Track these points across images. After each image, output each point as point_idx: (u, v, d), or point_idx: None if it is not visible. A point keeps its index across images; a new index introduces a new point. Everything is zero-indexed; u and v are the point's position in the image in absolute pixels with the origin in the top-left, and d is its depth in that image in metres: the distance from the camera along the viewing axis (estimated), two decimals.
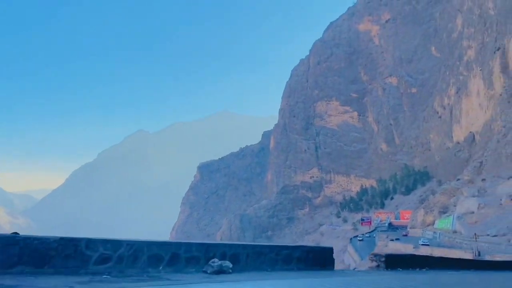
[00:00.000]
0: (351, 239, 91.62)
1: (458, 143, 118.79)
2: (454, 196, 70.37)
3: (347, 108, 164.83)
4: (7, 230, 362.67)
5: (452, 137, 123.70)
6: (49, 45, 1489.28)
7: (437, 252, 38.52)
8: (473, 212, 51.61)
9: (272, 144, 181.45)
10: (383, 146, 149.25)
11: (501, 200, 50.09)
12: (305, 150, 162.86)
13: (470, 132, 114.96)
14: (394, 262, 12.13)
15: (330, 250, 10.72)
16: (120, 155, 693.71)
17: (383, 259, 11.92)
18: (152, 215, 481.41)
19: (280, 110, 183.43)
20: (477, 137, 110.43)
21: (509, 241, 37.15)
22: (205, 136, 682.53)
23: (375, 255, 12.56)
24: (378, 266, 12.01)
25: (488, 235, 40.79)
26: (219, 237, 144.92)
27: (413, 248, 46.02)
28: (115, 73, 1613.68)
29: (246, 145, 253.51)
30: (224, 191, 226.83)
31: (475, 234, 38.66)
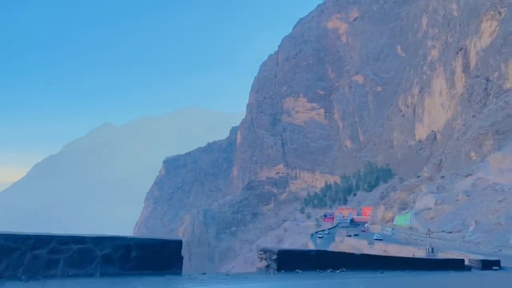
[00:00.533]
0: (312, 235, 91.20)
1: (420, 141, 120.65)
2: (413, 192, 70.71)
3: (314, 105, 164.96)
4: None
5: (414, 135, 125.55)
6: (11, 34, 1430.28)
7: (391, 249, 37.85)
8: (430, 208, 51.55)
9: (239, 139, 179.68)
10: (348, 143, 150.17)
11: (457, 196, 50.16)
12: (272, 146, 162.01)
13: (432, 131, 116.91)
14: (290, 261, 8.92)
15: (174, 244, 6.96)
16: (85, 148, 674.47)
17: (274, 257, 8.68)
18: (117, 210, 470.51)
19: (248, 105, 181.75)
20: (438, 136, 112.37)
21: (463, 238, 36.89)
22: (173, 131, 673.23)
23: (265, 251, 9.02)
24: (268, 266, 8.81)
25: (443, 231, 40.55)
26: (181, 233, 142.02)
27: (368, 244, 45.38)
28: (81, 64, 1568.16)
29: (214, 140, 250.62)
30: (190, 186, 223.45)
31: (428, 230, 38.13)
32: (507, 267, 17.99)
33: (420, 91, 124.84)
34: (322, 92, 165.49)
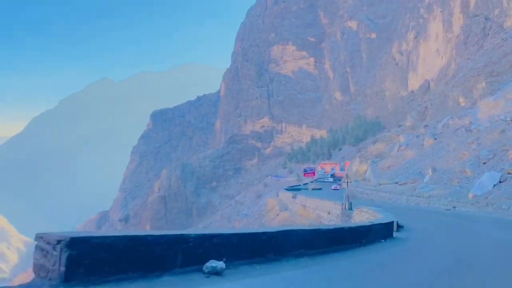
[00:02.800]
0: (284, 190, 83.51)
1: (413, 91, 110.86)
2: (391, 143, 62.04)
3: (304, 53, 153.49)
4: None
5: (407, 85, 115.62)
6: None
7: (309, 203, 29.99)
8: (390, 157, 43.08)
9: (222, 90, 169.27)
10: (337, 95, 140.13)
11: (423, 141, 41.40)
12: (257, 98, 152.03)
13: (426, 80, 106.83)
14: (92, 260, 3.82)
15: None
16: (82, 103, 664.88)
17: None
18: (110, 164, 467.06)
19: (233, 53, 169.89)
20: (432, 85, 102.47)
21: (414, 190, 28.61)
22: (170, 86, 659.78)
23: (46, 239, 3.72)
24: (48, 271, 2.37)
25: (396, 182, 32.32)
26: (157, 187, 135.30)
27: (292, 197, 37.83)
28: (80, 17, 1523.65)
29: (204, 94, 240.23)
30: (178, 141, 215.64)
31: (346, 176, 30.02)
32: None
33: (416, 37, 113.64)
34: (312, 39, 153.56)
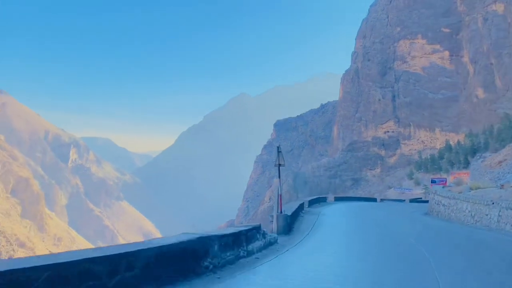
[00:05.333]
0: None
1: None
2: None
3: (436, 46, 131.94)
4: (112, 183, 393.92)
5: None
6: (162, 19, 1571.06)
7: None
8: None
9: (340, 93, 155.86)
10: (479, 92, 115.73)
11: None
12: (380, 100, 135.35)
13: None
14: None
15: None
16: (223, 117, 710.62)
17: None
18: (246, 173, 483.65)
19: (353, 53, 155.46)
20: None
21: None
22: (303, 97, 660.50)
23: None
24: None
25: (502, 186, 18.57)
26: (268, 196, 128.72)
27: None
28: (221, 41, 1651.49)
29: (328, 101, 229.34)
30: (300, 150, 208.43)
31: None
32: None
33: None
34: (446, 30, 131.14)
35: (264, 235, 13.48)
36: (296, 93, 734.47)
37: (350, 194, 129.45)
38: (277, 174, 19.31)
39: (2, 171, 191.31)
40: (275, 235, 15.87)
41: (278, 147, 18.53)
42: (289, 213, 19.35)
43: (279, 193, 18.22)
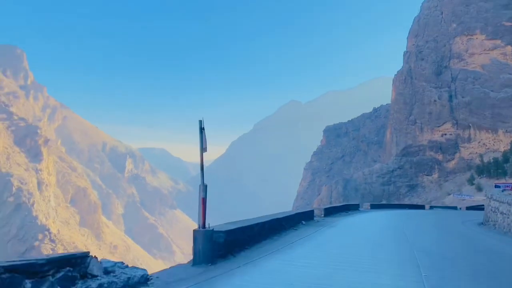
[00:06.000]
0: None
1: None
2: None
3: (497, 42, 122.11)
4: (166, 192, 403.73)
5: None
6: (212, 30, 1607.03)
7: None
8: None
9: (392, 95, 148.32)
10: None
11: None
12: (435, 101, 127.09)
13: None
14: None
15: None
16: (273, 125, 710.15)
17: None
18: (296, 181, 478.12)
19: (405, 53, 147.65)
20: None
21: None
22: (356, 103, 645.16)
23: None
24: None
25: None
26: (316, 204, 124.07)
27: None
28: (272, 49, 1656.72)
29: (381, 105, 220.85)
30: (351, 156, 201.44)
31: None
32: None
33: None
34: (508, 24, 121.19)
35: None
36: (349, 98, 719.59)
37: (405, 201, 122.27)
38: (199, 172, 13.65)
39: (62, 181, 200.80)
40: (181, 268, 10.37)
41: (200, 122, 9.04)
42: (225, 228, 11.68)
43: (202, 197, 11.06)
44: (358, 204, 44.48)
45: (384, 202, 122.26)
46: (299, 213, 21.58)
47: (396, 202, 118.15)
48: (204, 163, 12.01)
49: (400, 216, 34.75)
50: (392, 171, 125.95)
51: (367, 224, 25.60)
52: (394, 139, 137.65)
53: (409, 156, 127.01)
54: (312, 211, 24.63)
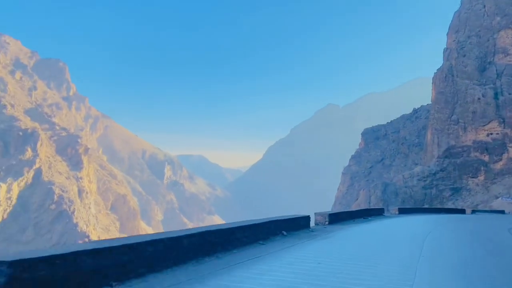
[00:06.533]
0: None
1: None
2: None
3: None
4: (204, 198, 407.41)
5: None
6: (247, 37, 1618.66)
7: None
8: None
9: (432, 95, 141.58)
10: None
11: None
12: (479, 99, 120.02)
13: None
14: None
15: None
16: (310, 129, 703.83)
17: None
18: (334, 186, 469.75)
19: (445, 50, 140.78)
20: None
21: None
22: (396, 105, 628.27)
23: None
24: None
25: None
26: (354, 208, 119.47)
27: None
28: (308, 52, 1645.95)
29: (421, 105, 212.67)
30: (391, 159, 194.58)
31: None
32: None
33: None
34: None
35: None
36: (388, 100, 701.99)
37: (449, 205, 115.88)
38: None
39: (102, 188, 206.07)
40: None
41: None
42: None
43: None
44: (383, 209, 38.20)
45: (426, 206, 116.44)
46: (276, 221, 15.30)
47: (439, 206, 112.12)
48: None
49: (430, 223, 27.56)
50: (434, 173, 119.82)
51: (378, 234, 18.75)
52: (435, 140, 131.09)
53: (452, 157, 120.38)
54: (306, 218, 19.05)
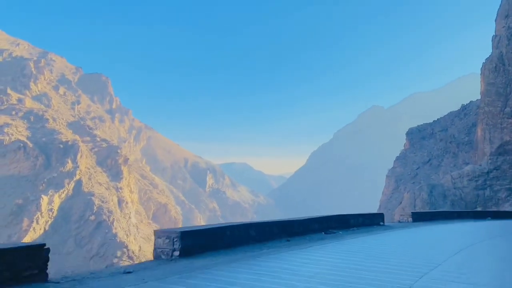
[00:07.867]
0: None
1: None
2: None
3: None
4: (247, 205, 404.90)
5: None
6: (284, 39, 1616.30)
7: None
8: None
9: (481, 87, 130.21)
10: None
11: None
12: None
13: None
14: None
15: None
16: (354, 132, 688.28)
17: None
18: (379, 189, 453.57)
19: (493, 37, 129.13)
20: None
21: None
22: (444, 103, 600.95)
23: None
24: None
25: None
26: (397, 215, 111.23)
27: None
28: (350, 54, 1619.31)
29: (471, 101, 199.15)
30: (439, 159, 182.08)
31: None
32: None
33: None
34: None
35: None
36: (435, 99, 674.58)
37: (506, 207, 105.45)
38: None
39: (144, 198, 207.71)
40: None
41: None
42: None
43: None
44: (381, 214, 21.73)
45: (479, 209, 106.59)
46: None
47: (495, 209, 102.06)
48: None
49: (459, 239, 16.52)
50: (487, 172, 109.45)
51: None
52: (487, 136, 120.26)
53: (507, 154, 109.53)
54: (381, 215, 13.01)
